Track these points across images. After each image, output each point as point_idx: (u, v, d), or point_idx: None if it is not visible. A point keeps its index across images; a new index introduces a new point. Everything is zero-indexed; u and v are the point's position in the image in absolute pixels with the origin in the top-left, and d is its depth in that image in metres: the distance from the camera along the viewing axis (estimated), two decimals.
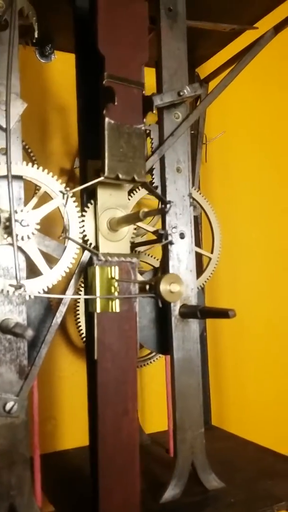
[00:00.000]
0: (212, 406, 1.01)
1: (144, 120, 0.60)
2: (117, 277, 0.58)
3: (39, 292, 0.58)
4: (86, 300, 0.65)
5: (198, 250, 0.78)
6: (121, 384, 0.59)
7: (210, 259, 0.81)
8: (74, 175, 0.94)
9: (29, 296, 0.58)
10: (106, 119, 0.56)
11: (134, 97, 0.59)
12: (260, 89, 1.19)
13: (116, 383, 0.59)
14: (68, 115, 0.94)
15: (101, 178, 0.56)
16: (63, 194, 0.58)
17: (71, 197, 0.60)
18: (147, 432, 0.93)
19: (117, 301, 0.59)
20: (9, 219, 0.55)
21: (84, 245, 0.60)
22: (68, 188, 0.59)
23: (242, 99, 1.16)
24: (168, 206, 0.66)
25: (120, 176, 0.57)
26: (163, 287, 0.58)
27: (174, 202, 0.68)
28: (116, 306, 0.59)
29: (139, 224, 0.73)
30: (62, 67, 0.93)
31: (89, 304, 0.59)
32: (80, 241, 0.60)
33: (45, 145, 0.94)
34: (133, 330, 0.60)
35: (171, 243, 0.67)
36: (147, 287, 0.60)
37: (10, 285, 0.54)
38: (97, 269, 0.58)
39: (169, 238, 0.67)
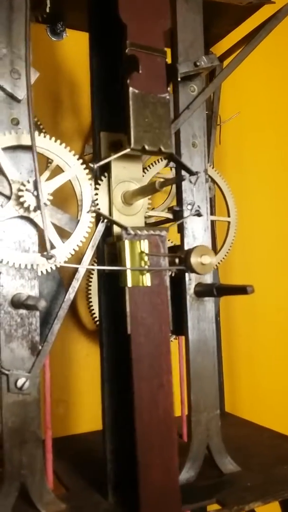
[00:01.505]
0: (226, 392, 0.99)
1: (169, 89, 0.58)
2: (146, 251, 0.56)
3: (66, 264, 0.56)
4: (102, 276, 0.63)
5: (215, 218, 0.76)
6: (156, 358, 0.58)
7: (225, 239, 0.79)
8: (85, 160, 0.92)
9: (41, 271, 0.57)
10: (131, 89, 0.54)
11: (158, 66, 0.57)
12: (275, 71, 1.17)
13: (151, 357, 0.57)
14: (79, 93, 0.92)
15: (127, 150, 0.54)
16: (91, 169, 0.56)
17: (84, 169, 0.58)
18: None
19: (148, 275, 0.57)
20: (21, 190, 0.53)
21: (112, 219, 0.58)
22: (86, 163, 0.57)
23: (257, 80, 1.14)
24: (196, 177, 0.64)
25: (147, 147, 0.55)
26: (194, 259, 0.56)
27: (189, 177, 0.66)
28: (147, 280, 0.57)
29: (151, 213, 0.71)
30: (74, 45, 0.91)
31: (119, 279, 0.57)
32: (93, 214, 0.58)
33: (56, 124, 0.92)
34: (165, 304, 0.59)
35: (199, 215, 0.65)
36: (177, 260, 0.58)
37: (42, 255, 0.52)
38: (127, 243, 0.56)
39: (197, 210, 0.65)
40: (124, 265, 0.56)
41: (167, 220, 0.73)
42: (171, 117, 0.67)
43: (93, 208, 0.57)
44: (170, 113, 0.59)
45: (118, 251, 0.57)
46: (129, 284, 0.56)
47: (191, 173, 0.62)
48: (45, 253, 0.52)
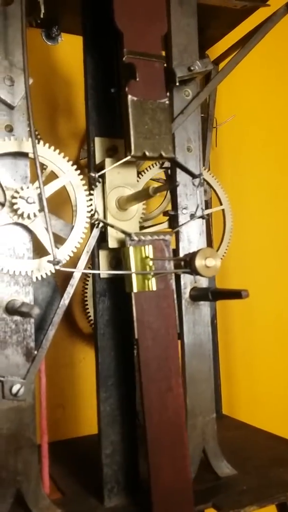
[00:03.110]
0: (223, 394, 0.99)
1: (167, 93, 0.58)
2: (151, 256, 0.57)
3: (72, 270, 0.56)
4: (95, 282, 0.63)
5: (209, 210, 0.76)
6: (163, 361, 0.58)
7: (221, 243, 0.79)
8: (79, 165, 0.93)
9: (36, 277, 0.57)
10: (129, 97, 0.55)
11: (156, 71, 0.57)
12: (270, 73, 1.17)
13: (158, 360, 0.58)
14: (75, 97, 0.92)
15: (128, 158, 0.55)
16: (93, 179, 0.57)
17: (79, 175, 0.58)
18: None
19: (153, 279, 0.57)
20: (15, 197, 0.53)
21: (116, 226, 0.58)
22: (80, 169, 0.58)
23: (252, 83, 1.14)
24: (198, 180, 0.64)
25: (147, 153, 0.55)
26: (199, 262, 0.56)
27: (184, 182, 0.67)
28: (152, 284, 0.57)
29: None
30: (69, 49, 0.91)
31: (125, 284, 0.58)
32: (88, 219, 0.58)
33: (52, 129, 0.92)
34: (171, 307, 0.59)
35: (203, 217, 0.65)
36: (182, 263, 0.58)
37: (49, 261, 0.52)
38: (131, 249, 0.57)
39: (200, 213, 0.65)
40: (130, 270, 0.56)
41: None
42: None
43: (95, 217, 0.58)
44: (170, 117, 0.59)
45: (122, 257, 0.58)
46: (135, 289, 0.57)
47: (193, 176, 0.62)
48: (22, 263, 0.52)
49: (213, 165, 1.01)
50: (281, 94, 1.18)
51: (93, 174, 0.57)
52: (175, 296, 0.60)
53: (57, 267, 0.52)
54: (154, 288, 0.58)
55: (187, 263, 0.58)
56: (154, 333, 0.58)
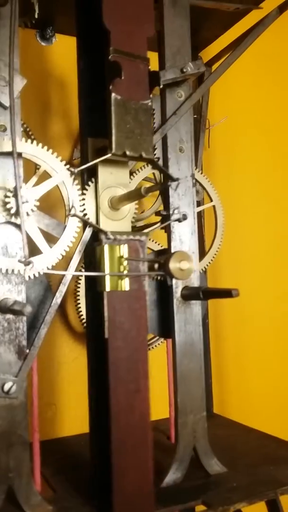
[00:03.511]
0: (214, 393, 1.00)
1: (151, 95, 0.59)
2: (126, 256, 0.57)
3: (43, 270, 0.57)
4: (87, 281, 0.64)
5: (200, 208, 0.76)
6: (133, 362, 0.58)
7: (212, 242, 0.80)
8: (73, 165, 0.93)
9: (29, 276, 0.58)
10: (113, 95, 0.55)
11: (140, 72, 0.58)
12: (263, 75, 1.18)
13: (128, 361, 0.58)
14: (69, 97, 0.93)
15: (109, 155, 0.55)
16: (71, 172, 0.57)
17: (71, 174, 0.59)
18: None
19: (127, 280, 0.58)
20: (8, 196, 0.54)
21: (91, 223, 0.59)
22: (71, 168, 0.58)
23: (245, 84, 1.15)
24: (176, 183, 0.64)
25: (128, 152, 0.55)
26: (173, 264, 0.57)
27: (174, 182, 0.67)
28: (125, 284, 0.58)
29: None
30: (63, 50, 0.92)
31: (97, 283, 0.58)
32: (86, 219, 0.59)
33: (46, 129, 0.92)
34: (143, 309, 0.59)
35: (179, 220, 0.66)
36: (156, 265, 0.58)
37: (19, 261, 0.53)
38: (106, 247, 0.57)
39: (176, 216, 0.65)
40: (103, 269, 0.57)
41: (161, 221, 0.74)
42: (153, 123, 0.68)
43: (73, 212, 0.58)
44: (151, 119, 0.59)
45: (97, 255, 0.58)
46: (108, 288, 0.57)
47: (172, 179, 0.63)
48: (22, 259, 0.52)
49: (205, 166, 1.01)
50: (273, 96, 1.19)
51: (73, 170, 0.57)
52: (147, 297, 0.60)
53: (28, 267, 0.52)
54: (127, 289, 0.58)
55: (161, 265, 0.58)
56: (125, 334, 0.58)
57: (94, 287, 0.60)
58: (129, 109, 0.56)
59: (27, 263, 0.52)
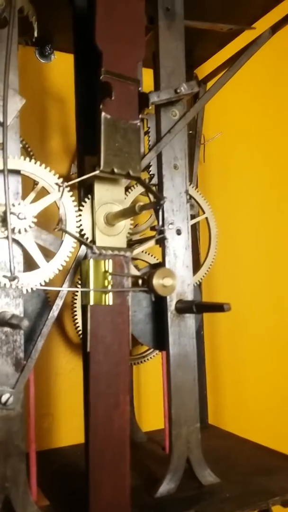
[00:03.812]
0: (209, 404, 1.01)
1: (140, 116, 0.61)
2: (110, 271, 0.59)
3: (35, 285, 0.58)
4: (81, 294, 0.65)
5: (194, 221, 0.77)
6: (113, 376, 0.59)
7: (206, 256, 0.82)
8: (71, 180, 0.95)
9: (26, 289, 0.59)
10: (103, 114, 0.57)
11: (130, 93, 0.60)
12: (257, 91, 1.20)
13: (108, 375, 0.59)
14: (67, 114, 0.95)
15: (97, 172, 0.57)
16: (59, 186, 0.59)
17: (69, 191, 0.60)
18: (143, 430, 0.93)
19: (111, 294, 0.59)
20: (5, 212, 0.56)
21: (78, 237, 0.60)
22: (61, 182, 0.60)
23: (240, 100, 1.17)
24: (162, 201, 0.66)
25: (116, 170, 0.57)
26: (156, 281, 0.58)
27: (170, 198, 0.69)
28: (109, 299, 0.59)
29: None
30: (62, 67, 0.94)
31: (82, 296, 0.60)
32: (76, 234, 0.61)
33: (44, 144, 0.94)
34: (126, 323, 0.60)
35: (163, 238, 0.68)
36: (140, 281, 0.60)
37: (4, 276, 0.55)
38: (91, 262, 0.59)
39: (164, 233, 0.67)
40: (88, 283, 0.58)
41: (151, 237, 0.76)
42: (148, 141, 0.70)
43: (59, 227, 0.60)
44: (140, 138, 0.61)
45: (83, 269, 0.60)
46: (91, 302, 0.59)
47: (157, 198, 0.65)
48: (8, 274, 0.54)
49: (201, 180, 1.03)
50: (267, 111, 1.21)
51: (59, 183, 0.59)
52: (130, 312, 0.61)
53: (13, 283, 0.54)
54: (111, 303, 0.59)
55: (145, 281, 0.59)
56: (106, 348, 0.59)
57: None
58: (119, 128, 0.58)
59: (12, 279, 0.54)
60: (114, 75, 0.58)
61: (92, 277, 0.59)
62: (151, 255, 0.85)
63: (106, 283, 0.59)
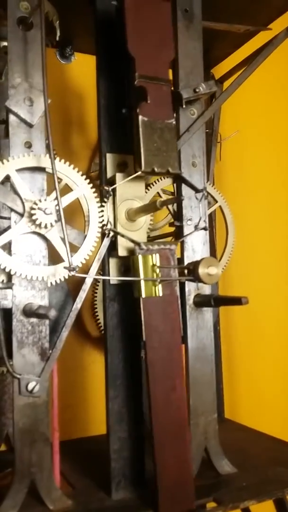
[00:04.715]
0: (225, 399, 1.02)
1: (174, 114, 0.63)
2: (158, 264, 0.61)
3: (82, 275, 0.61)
4: (104, 289, 0.68)
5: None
6: (168, 362, 0.62)
7: (223, 252, 0.84)
8: (90, 177, 0.97)
9: (50, 283, 0.61)
10: (140, 117, 0.59)
11: (164, 94, 0.62)
12: (272, 90, 1.22)
13: (164, 361, 0.62)
14: (87, 113, 0.97)
15: (139, 173, 0.59)
16: (105, 191, 0.62)
17: (91, 188, 0.63)
18: None
19: (160, 286, 0.62)
20: (33, 208, 0.58)
21: (128, 236, 0.63)
22: (105, 185, 0.63)
23: (256, 99, 1.18)
24: (202, 194, 0.69)
25: (156, 169, 0.60)
26: (202, 270, 0.61)
27: (188, 195, 0.71)
28: (159, 290, 0.62)
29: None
30: (82, 68, 0.96)
31: (134, 290, 0.62)
32: (99, 229, 0.63)
33: (65, 142, 0.97)
34: (176, 312, 0.64)
35: (205, 229, 0.70)
36: (186, 271, 0.62)
37: (65, 267, 0.57)
38: (140, 257, 0.61)
39: (203, 224, 0.70)
40: (139, 277, 0.61)
41: (169, 235, 0.78)
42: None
43: (108, 227, 0.63)
44: (176, 136, 0.63)
45: (132, 264, 0.62)
46: (143, 294, 0.61)
47: (197, 190, 0.67)
48: (38, 269, 0.57)
49: (217, 178, 1.05)
50: (282, 110, 1.23)
51: (106, 188, 0.62)
52: (179, 302, 0.64)
53: (73, 273, 0.56)
54: (161, 294, 0.62)
55: (191, 271, 0.62)
56: (160, 336, 0.62)
57: (122, 292, 0.65)
58: (155, 129, 0.61)
59: (72, 269, 0.56)
60: (148, 79, 0.61)
61: (142, 271, 0.61)
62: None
63: (155, 276, 0.61)
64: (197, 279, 0.61)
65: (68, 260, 0.56)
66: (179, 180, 0.71)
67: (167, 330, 0.63)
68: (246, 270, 1.13)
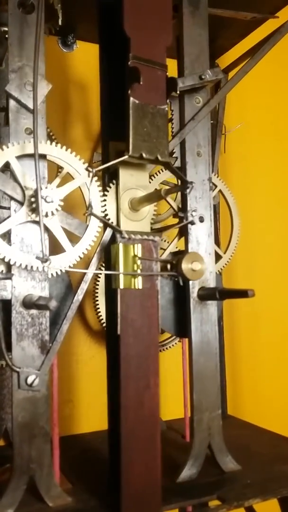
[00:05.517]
0: (228, 395, 1.01)
1: (168, 101, 0.61)
2: (139, 255, 0.59)
3: (63, 268, 0.59)
4: (106, 280, 0.66)
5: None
6: (143, 359, 0.60)
7: (228, 244, 0.82)
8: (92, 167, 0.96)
9: (51, 274, 0.60)
10: (131, 99, 0.57)
11: (158, 78, 0.60)
12: (278, 82, 1.20)
13: (138, 358, 0.59)
14: (89, 103, 0.96)
15: (125, 157, 0.57)
16: (89, 172, 0.59)
17: (93, 176, 0.61)
18: (163, 419, 0.93)
19: (140, 278, 0.59)
20: (34, 196, 0.56)
21: (108, 222, 0.61)
22: (91, 168, 0.60)
23: (261, 91, 1.17)
24: (190, 186, 0.66)
25: (144, 155, 0.57)
26: (185, 265, 0.58)
27: (194, 184, 0.69)
28: (138, 283, 0.59)
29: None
30: (84, 56, 0.94)
31: (112, 280, 0.60)
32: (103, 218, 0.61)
33: (67, 131, 0.95)
34: (155, 307, 0.61)
35: (192, 223, 0.68)
36: (169, 266, 0.60)
37: (37, 257, 0.55)
38: (121, 246, 0.59)
39: (190, 218, 0.67)
40: (118, 267, 0.59)
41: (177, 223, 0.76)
42: (172, 128, 0.70)
43: (88, 212, 0.60)
44: (167, 123, 0.61)
45: (113, 253, 0.60)
46: (121, 286, 0.59)
47: (185, 182, 0.65)
48: (40, 256, 0.55)
49: (221, 170, 1.03)
50: (287, 102, 1.21)
51: (89, 169, 0.59)
52: (159, 296, 0.61)
53: (45, 264, 0.54)
54: (140, 287, 0.60)
55: (174, 266, 0.60)
56: (137, 331, 0.60)
57: (109, 284, 0.61)
58: (147, 113, 0.58)
59: (44, 260, 0.54)
60: (142, 60, 0.58)
61: (121, 261, 0.59)
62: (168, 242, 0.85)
63: (135, 267, 0.59)
64: (179, 274, 0.59)
65: (42, 250, 0.54)
66: (169, 169, 0.69)
67: (144, 325, 0.60)
68: (250, 263, 1.11)
